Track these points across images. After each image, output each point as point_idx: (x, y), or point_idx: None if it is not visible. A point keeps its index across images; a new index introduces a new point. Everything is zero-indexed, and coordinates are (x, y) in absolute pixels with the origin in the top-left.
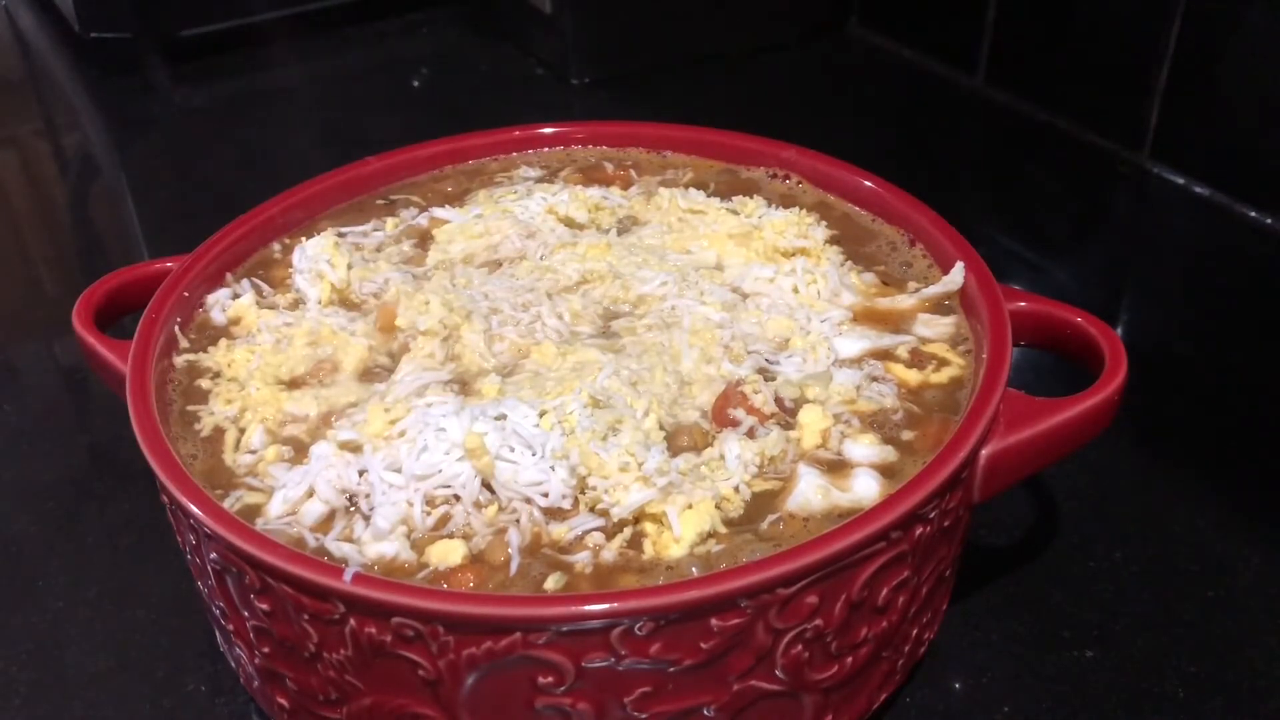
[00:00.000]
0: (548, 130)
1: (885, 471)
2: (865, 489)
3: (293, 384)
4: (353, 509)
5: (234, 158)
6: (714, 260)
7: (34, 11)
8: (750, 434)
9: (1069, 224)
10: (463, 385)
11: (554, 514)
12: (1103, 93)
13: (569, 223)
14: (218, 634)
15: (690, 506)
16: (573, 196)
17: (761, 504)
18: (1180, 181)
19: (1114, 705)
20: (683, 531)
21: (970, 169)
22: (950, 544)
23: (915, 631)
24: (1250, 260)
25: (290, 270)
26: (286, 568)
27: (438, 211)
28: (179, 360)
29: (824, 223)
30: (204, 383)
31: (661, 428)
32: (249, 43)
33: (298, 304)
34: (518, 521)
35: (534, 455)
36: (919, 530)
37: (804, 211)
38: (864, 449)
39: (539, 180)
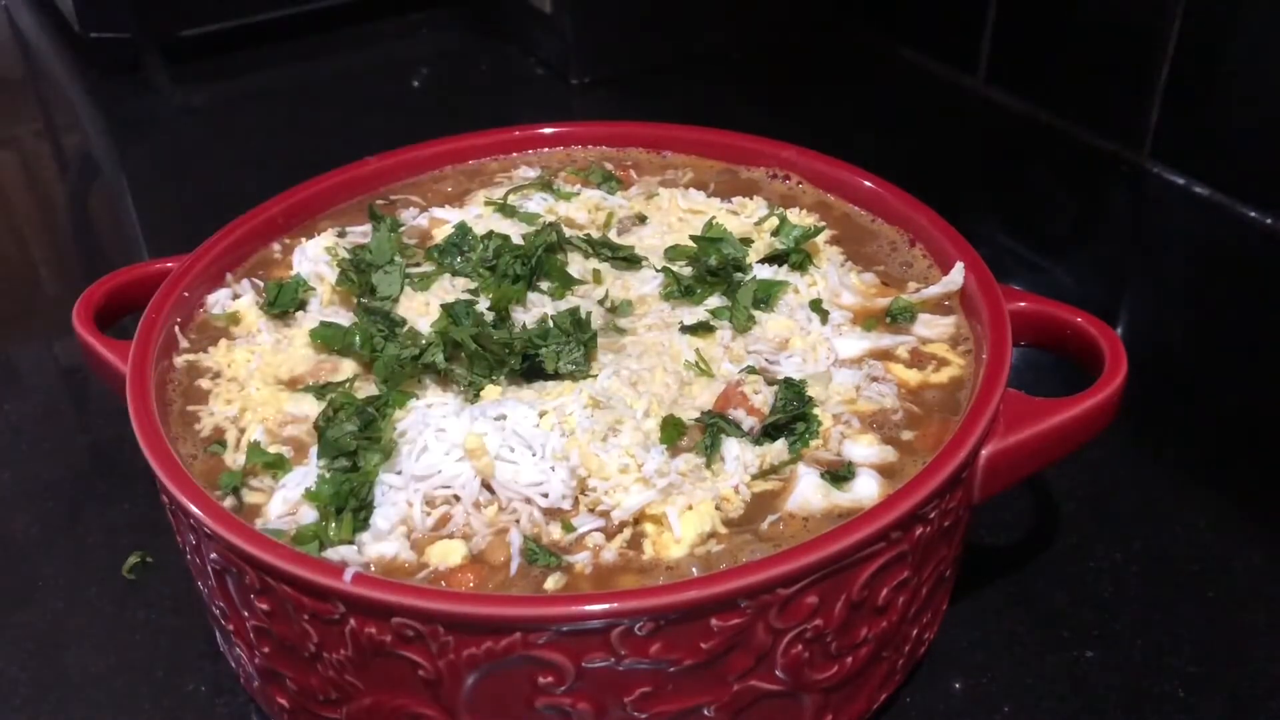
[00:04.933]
0: (548, 130)
1: (885, 471)
2: (865, 489)
3: (292, 384)
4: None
5: (234, 158)
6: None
7: (34, 11)
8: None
9: (1069, 224)
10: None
11: (554, 514)
12: (1103, 93)
13: (569, 223)
14: (218, 634)
15: (690, 507)
16: (573, 197)
17: (761, 504)
18: (1180, 181)
19: (1114, 705)
20: (683, 532)
21: (970, 168)
22: (950, 544)
23: (915, 631)
24: (1250, 260)
25: (290, 270)
26: (286, 568)
27: (438, 211)
28: (179, 360)
29: (824, 223)
30: (204, 383)
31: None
32: (249, 43)
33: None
34: (518, 521)
35: (534, 455)
36: (919, 530)
37: (804, 211)
38: (864, 449)
39: (538, 180)
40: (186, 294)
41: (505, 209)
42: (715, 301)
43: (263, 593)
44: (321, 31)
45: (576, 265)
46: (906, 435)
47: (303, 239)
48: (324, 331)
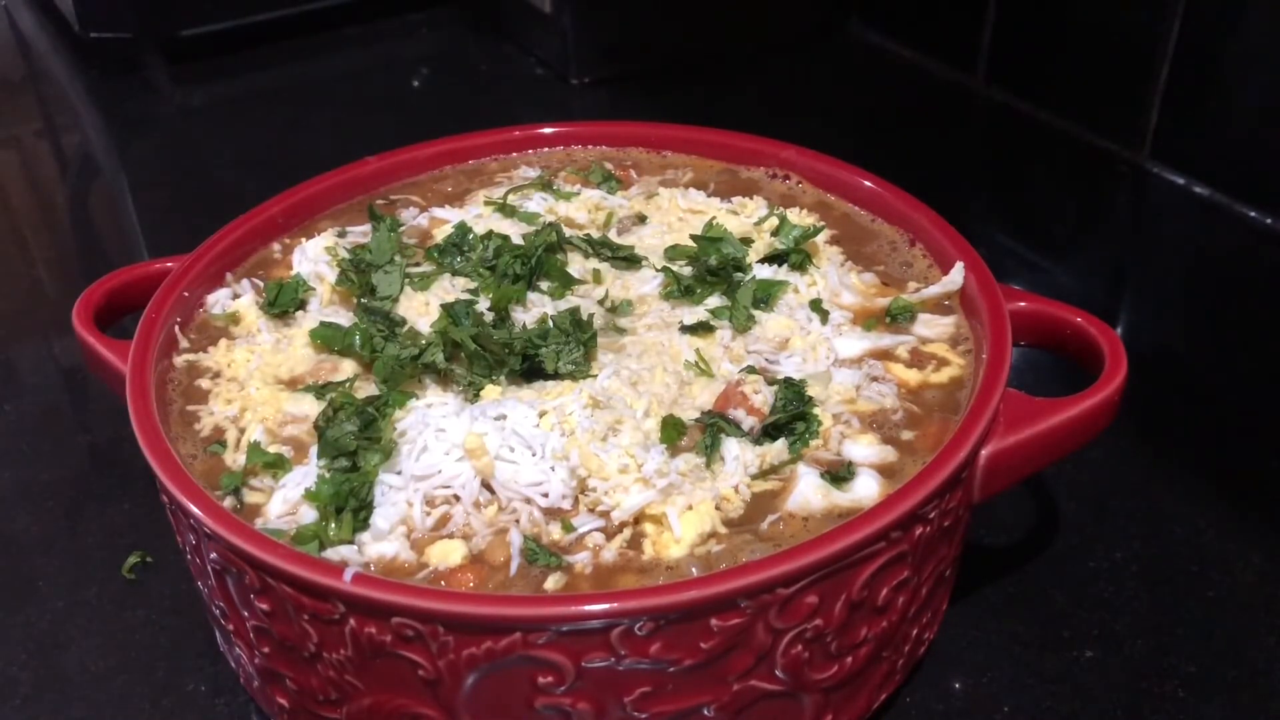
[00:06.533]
0: (548, 130)
1: (885, 471)
2: (865, 489)
3: (292, 384)
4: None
5: (234, 158)
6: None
7: (34, 11)
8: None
9: (1069, 224)
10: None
11: (554, 514)
12: (1103, 93)
13: (569, 223)
14: (218, 634)
15: (690, 507)
16: (573, 197)
17: (761, 504)
18: (1180, 181)
19: (1114, 705)
20: (683, 532)
21: (970, 169)
22: (950, 544)
23: (915, 631)
24: (1250, 260)
25: (290, 270)
26: (286, 568)
27: (438, 211)
28: (179, 360)
29: (824, 223)
30: (204, 383)
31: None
32: (249, 43)
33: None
34: (518, 521)
35: (534, 455)
36: (919, 530)
37: (804, 211)
38: (864, 449)
39: (538, 180)
40: (186, 294)
41: (505, 209)
42: (715, 301)
43: (263, 593)
44: (321, 31)
45: (576, 265)
46: (906, 435)
47: (303, 239)
48: (324, 331)
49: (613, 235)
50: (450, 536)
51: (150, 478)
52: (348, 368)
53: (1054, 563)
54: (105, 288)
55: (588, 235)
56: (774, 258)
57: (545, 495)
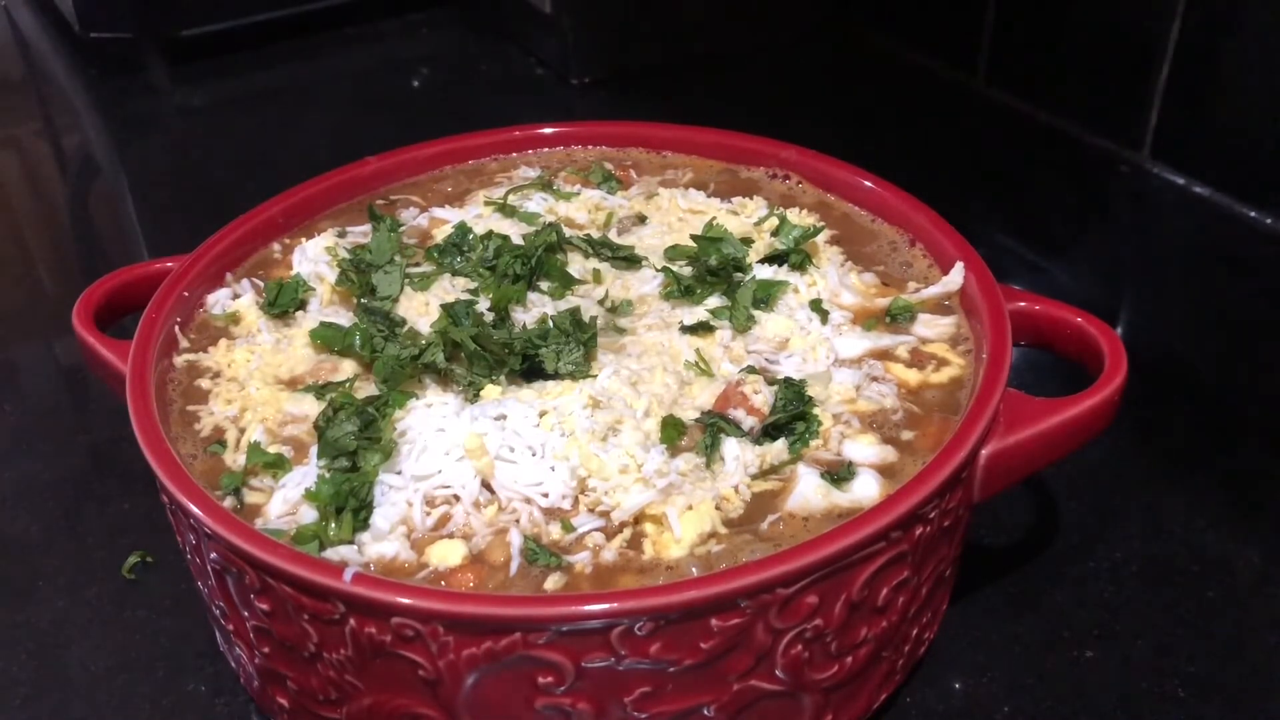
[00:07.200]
0: (548, 130)
1: (885, 471)
2: (865, 489)
3: (292, 384)
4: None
5: (234, 158)
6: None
7: (34, 11)
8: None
9: (1069, 224)
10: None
11: (554, 514)
12: (1103, 93)
13: (569, 223)
14: (218, 634)
15: (690, 507)
16: (573, 197)
17: (761, 504)
18: (1180, 181)
19: (1114, 705)
20: (683, 532)
21: (970, 169)
22: (950, 544)
23: (915, 631)
24: (1250, 260)
25: (290, 270)
26: (286, 568)
27: (438, 211)
28: (179, 360)
29: (824, 223)
30: (204, 383)
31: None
32: (249, 43)
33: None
34: (518, 521)
35: (534, 455)
36: (919, 530)
37: (804, 211)
38: (864, 449)
39: (538, 180)
40: (186, 294)
41: (505, 209)
42: (715, 301)
43: (263, 593)
44: (321, 31)
45: (576, 265)
46: (906, 435)
47: (303, 239)
48: (324, 331)
49: (613, 235)
50: (450, 536)
51: (150, 478)
52: (348, 368)
53: (1054, 563)
54: (105, 288)
55: (588, 235)
56: (774, 258)
57: (545, 495)
